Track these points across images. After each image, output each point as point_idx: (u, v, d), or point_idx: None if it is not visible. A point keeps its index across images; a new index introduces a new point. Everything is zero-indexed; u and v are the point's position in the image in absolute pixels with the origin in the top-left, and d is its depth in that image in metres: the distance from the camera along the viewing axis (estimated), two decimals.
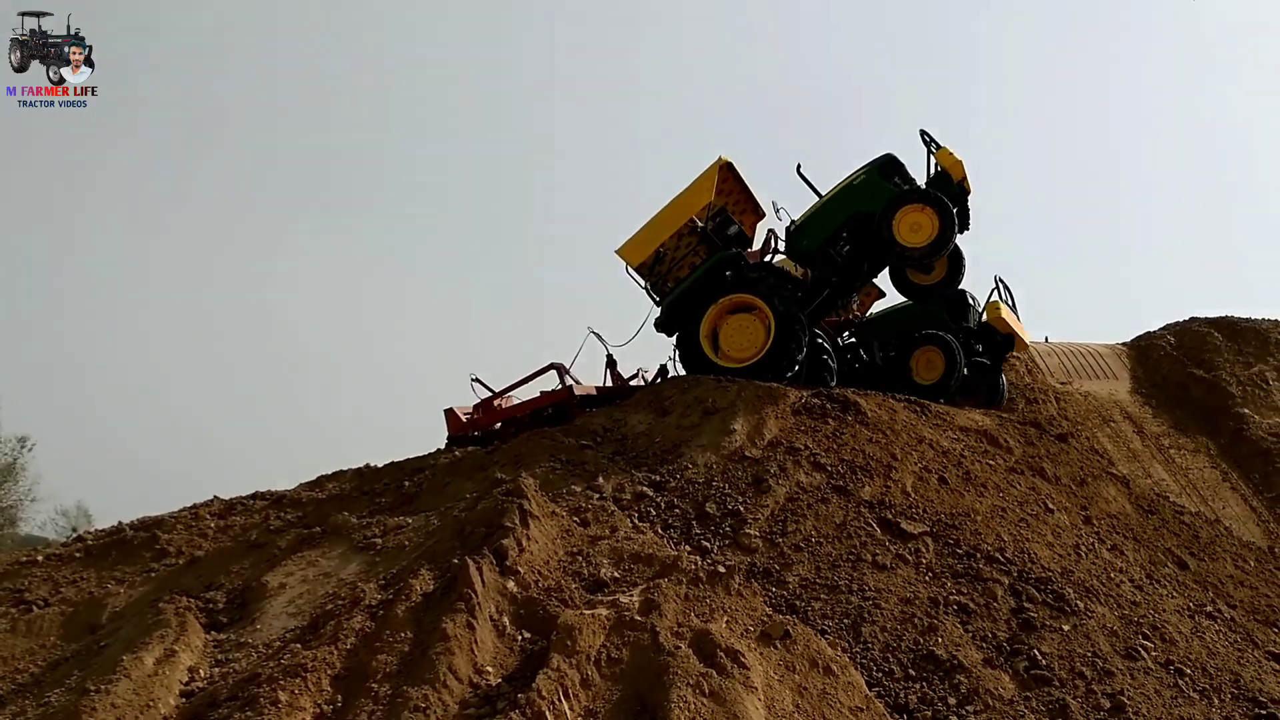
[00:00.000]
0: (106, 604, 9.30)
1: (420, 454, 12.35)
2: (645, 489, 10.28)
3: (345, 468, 12.16)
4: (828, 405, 12.23)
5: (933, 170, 15.09)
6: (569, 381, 15.06)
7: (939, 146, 15.12)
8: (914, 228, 13.82)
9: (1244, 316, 19.89)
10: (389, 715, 6.62)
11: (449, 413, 15.43)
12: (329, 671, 7.09)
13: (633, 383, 16.16)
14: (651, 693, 6.75)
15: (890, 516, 10.08)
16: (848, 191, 14.88)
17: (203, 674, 7.80)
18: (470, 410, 15.55)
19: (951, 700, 7.83)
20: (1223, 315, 20.01)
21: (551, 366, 15.22)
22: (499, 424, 15.29)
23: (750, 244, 15.35)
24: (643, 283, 14.87)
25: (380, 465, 12.05)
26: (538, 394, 15.24)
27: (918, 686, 7.98)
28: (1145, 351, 19.40)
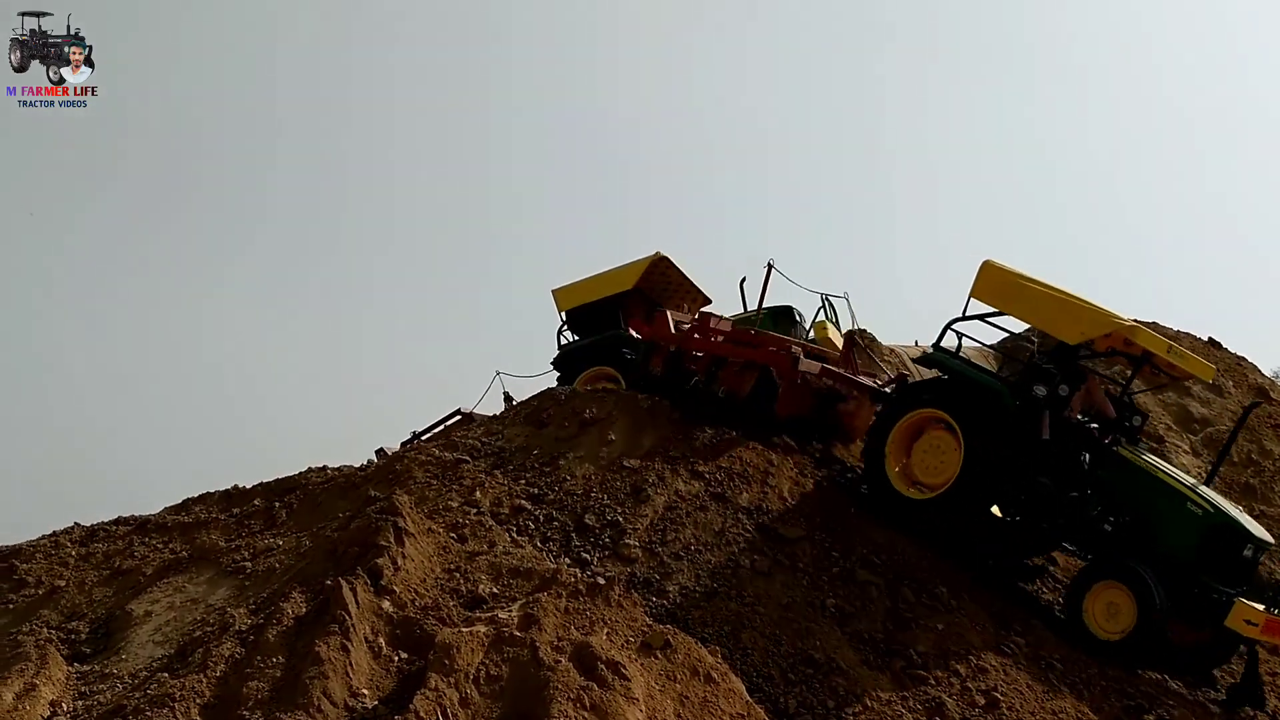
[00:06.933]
0: None
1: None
2: (524, 502, 10.20)
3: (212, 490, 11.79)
4: (704, 412, 12.20)
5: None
6: (795, 351, 12.04)
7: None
8: None
9: None
10: None
11: (660, 314, 13.44)
12: (198, 700, 6.90)
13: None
14: (532, 709, 6.70)
15: (768, 522, 10.16)
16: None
17: (65, 708, 7.55)
18: (687, 321, 13.40)
19: (831, 703, 7.93)
20: None
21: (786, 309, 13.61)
22: (700, 353, 12.76)
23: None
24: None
25: (249, 486, 11.72)
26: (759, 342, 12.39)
27: (797, 690, 8.07)
28: None
